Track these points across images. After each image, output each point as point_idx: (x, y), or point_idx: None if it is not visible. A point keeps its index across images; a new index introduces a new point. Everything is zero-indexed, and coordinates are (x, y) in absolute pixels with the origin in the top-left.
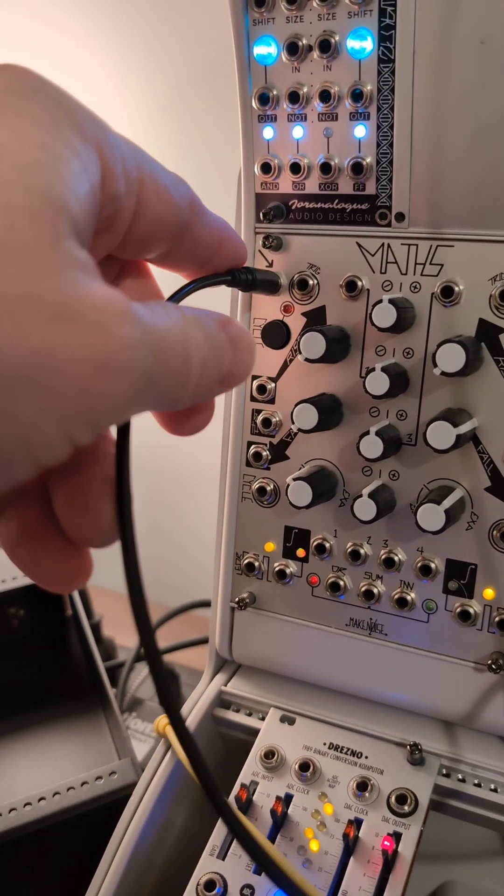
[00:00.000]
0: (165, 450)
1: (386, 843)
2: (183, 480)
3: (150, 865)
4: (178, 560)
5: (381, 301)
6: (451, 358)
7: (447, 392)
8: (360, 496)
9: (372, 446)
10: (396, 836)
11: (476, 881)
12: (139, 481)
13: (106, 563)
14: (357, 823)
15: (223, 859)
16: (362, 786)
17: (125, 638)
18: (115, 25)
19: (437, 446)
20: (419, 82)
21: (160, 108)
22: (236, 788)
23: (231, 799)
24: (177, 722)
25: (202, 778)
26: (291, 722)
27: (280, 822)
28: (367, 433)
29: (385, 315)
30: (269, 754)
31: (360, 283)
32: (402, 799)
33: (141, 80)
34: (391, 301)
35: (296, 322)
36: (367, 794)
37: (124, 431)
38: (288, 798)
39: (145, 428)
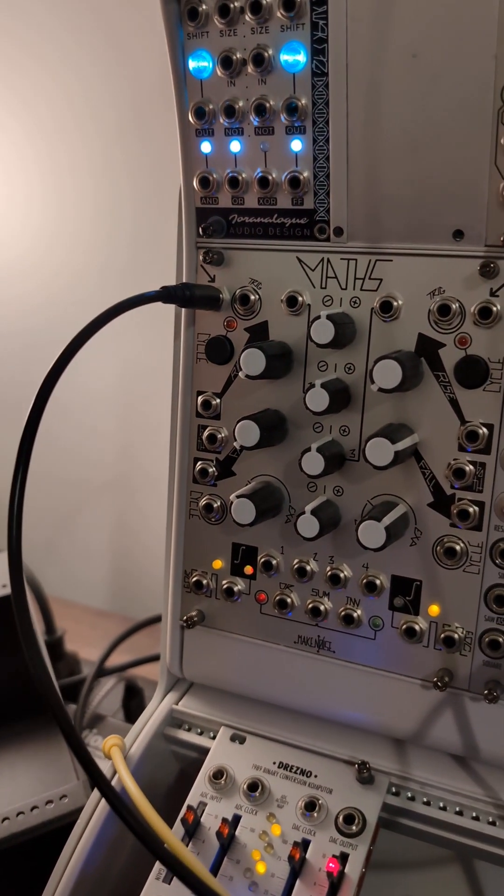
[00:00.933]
0: (133, 459)
1: (331, 864)
2: (151, 493)
3: (98, 889)
4: (146, 572)
5: (319, 317)
6: (388, 374)
7: (389, 407)
8: (303, 513)
9: (313, 463)
10: (343, 857)
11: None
12: (108, 493)
13: (72, 575)
14: (304, 844)
15: (169, 884)
16: (310, 806)
17: (90, 652)
18: (60, 47)
19: (376, 463)
20: (353, 96)
21: (110, 126)
22: (183, 811)
23: (177, 822)
24: (96, 778)
25: (131, 827)
26: (242, 741)
27: (227, 844)
28: (309, 450)
29: (323, 331)
30: (218, 774)
31: (300, 299)
32: (349, 819)
33: (89, 100)
34: (329, 317)
35: (239, 337)
36: (315, 815)
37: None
38: (236, 819)
39: (110, 432)
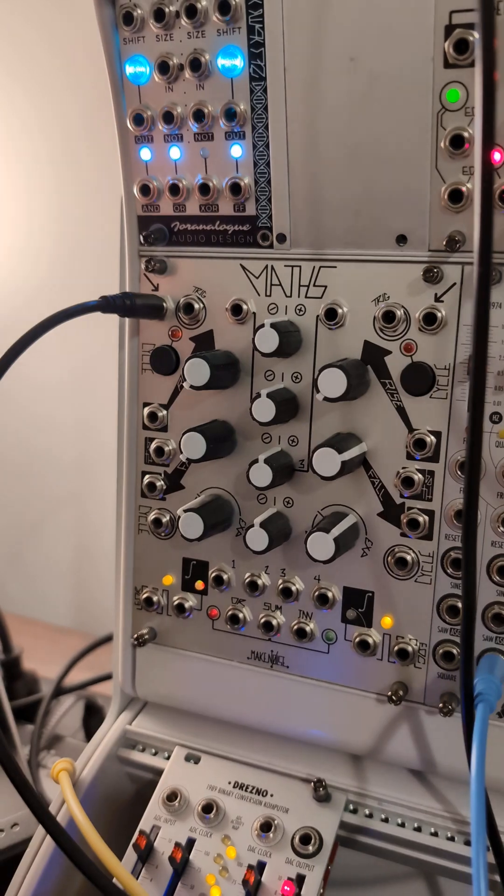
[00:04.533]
0: (93, 473)
1: (286, 887)
2: (111, 507)
3: None
4: (109, 588)
5: (262, 326)
6: (333, 383)
7: (337, 416)
8: (252, 526)
9: (261, 475)
10: (300, 879)
11: None
12: (69, 507)
13: (34, 592)
14: (260, 867)
15: None
16: (266, 826)
17: (50, 670)
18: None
19: (322, 473)
20: (291, 100)
21: (55, 132)
22: (135, 836)
23: (129, 847)
24: (38, 813)
25: (77, 863)
26: (197, 760)
27: (180, 869)
28: (256, 461)
29: (267, 340)
30: (172, 796)
31: (245, 307)
32: (305, 839)
33: (31, 106)
34: (273, 325)
35: (184, 347)
36: (270, 835)
37: None
38: (190, 842)
39: (69, 448)
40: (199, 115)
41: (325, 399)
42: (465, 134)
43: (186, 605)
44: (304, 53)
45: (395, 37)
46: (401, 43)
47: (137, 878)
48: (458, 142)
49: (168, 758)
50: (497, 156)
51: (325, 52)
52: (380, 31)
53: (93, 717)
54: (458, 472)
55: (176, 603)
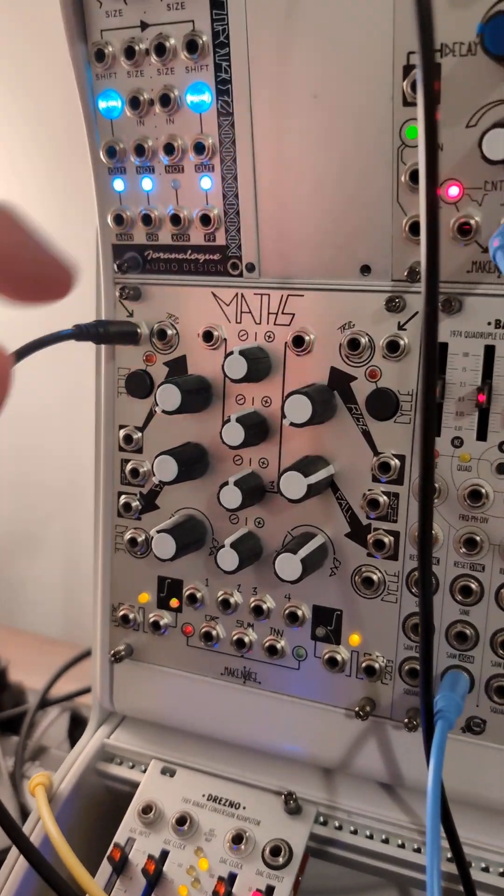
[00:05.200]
0: (82, 490)
1: None
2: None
3: None
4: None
5: (231, 353)
6: (299, 409)
7: (306, 440)
8: (223, 546)
9: (231, 496)
10: (269, 890)
11: None
12: (55, 524)
13: (18, 603)
14: (230, 878)
15: None
16: (238, 838)
17: (38, 681)
18: None
19: (289, 496)
20: (258, 135)
21: (26, 166)
22: (110, 849)
23: (104, 861)
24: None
25: (49, 882)
26: (172, 774)
27: (154, 881)
28: (227, 483)
29: (236, 366)
30: (147, 809)
31: (216, 333)
32: (276, 851)
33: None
34: (242, 352)
35: (158, 371)
36: (242, 847)
37: None
38: (164, 854)
39: (60, 458)
40: (169, 149)
41: (292, 424)
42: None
43: (162, 622)
44: (270, 90)
45: (356, 76)
46: (362, 82)
47: (112, 891)
48: (417, 176)
49: (145, 771)
50: (455, 190)
51: (290, 89)
52: (342, 70)
53: (78, 729)
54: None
55: (152, 620)
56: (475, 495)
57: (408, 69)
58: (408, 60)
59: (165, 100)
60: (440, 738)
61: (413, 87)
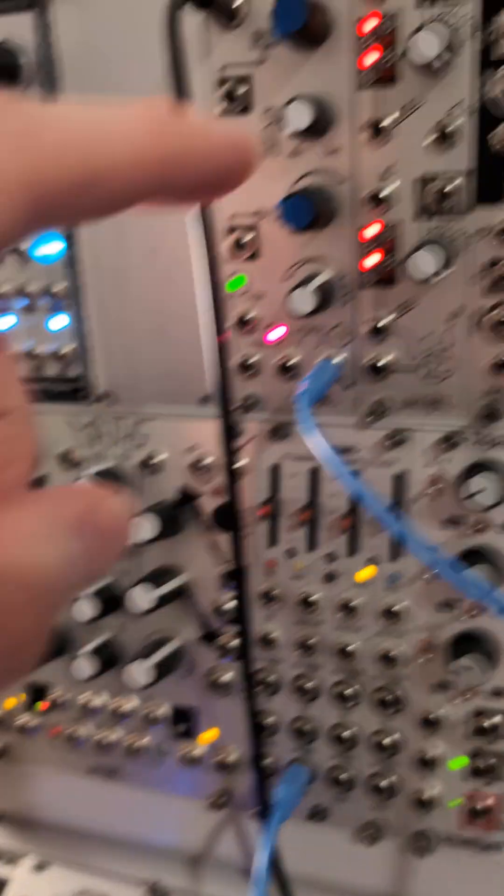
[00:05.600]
0: None
1: None
2: None
3: None
4: None
5: (79, 478)
6: (144, 529)
7: (162, 551)
8: (77, 657)
9: (84, 611)
10: None
11: None
12: None
13: None
14: None
15: None
16: None
17: None
18: None
19: (138, 609)
20: (106, 282)
21: None
22: None
23: None
24: None
25: None
26: (43, 868)
27: None
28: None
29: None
30: None
31: (75, 454)
32: None
33: None
34: (97, 474)
35: None
36: None
37: None
38: None
39: None
40: (22, 292)
41: (137, 544)
42: (250, 315)
43: (30, 724)
44: (112, 243)
45: (186, 236)
46: (190, 241)
47: None
48: (242, 322)
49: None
50: (282, 330)
51: (130, 244)
52: (174, 229)
53: None
54: (262, 601)
55: (20, 723)
56: (307, 602)
57: (231, 230)
58: (231, 222)
59: (18, 251)
60: (274, 828)
61: (237, 244)
